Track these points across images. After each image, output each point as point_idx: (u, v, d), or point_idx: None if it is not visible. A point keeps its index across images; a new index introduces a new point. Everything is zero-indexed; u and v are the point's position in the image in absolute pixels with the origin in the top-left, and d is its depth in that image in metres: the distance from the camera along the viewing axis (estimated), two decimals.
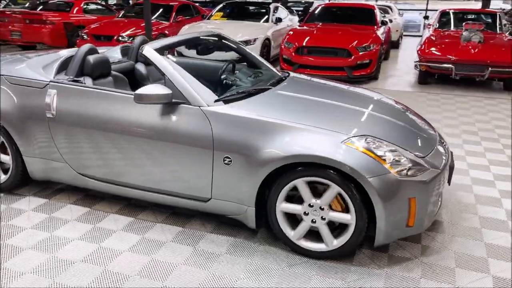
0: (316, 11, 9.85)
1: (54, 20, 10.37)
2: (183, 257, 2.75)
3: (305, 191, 2.66)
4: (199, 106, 2.85)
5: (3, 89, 3.32)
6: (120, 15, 11.16)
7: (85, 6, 11.78)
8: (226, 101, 2.92)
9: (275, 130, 2.70)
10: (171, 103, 2.86)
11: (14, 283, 2.47)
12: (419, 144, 2.90)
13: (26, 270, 2.59)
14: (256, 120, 2.75)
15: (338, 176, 2.55)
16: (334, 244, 2.69)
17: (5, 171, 3.48)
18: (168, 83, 2.93)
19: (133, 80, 3.87)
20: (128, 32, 9.47)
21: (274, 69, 3.93)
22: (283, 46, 8.47)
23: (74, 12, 11.20)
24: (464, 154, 4.54)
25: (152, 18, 10.45)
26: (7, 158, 3.43)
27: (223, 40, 4.02)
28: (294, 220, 2.82)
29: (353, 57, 7.83)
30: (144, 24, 9.34)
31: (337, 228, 2.78)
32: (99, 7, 12.27)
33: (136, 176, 3.05)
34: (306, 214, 2.71)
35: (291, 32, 8.72)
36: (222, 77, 3.68)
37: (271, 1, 13.50)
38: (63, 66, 3.42)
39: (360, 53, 7.86)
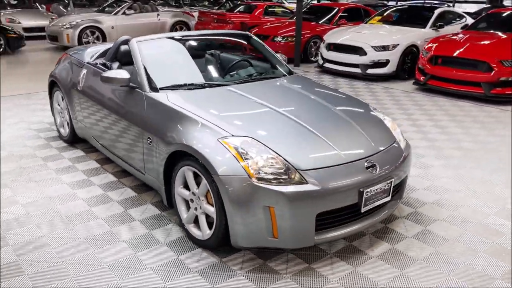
0: (483, 18, 8.53)
1: (234, 21, 11.93)
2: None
3: (190, 179, 2.85)
4: (143, 92, 3.32)
5: (68, 66, 4.48)
6: (292, 17, 11.98)
7: (269, 9, 13.08)
8: (163, 89, 3.30)
9: (181, 119, 2.96)
10: (129, 86, 3.42)
11: None
12: (316, 155, 2.68)
13: None
14: (171, 108, 3.07)
15: (204, 169, 2.66)
16: (207, 234, 2.80)
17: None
18: (134, 70, 3.49)
19: None
20: (283, 32, 10.20)
21: (282, 70, 4.04)
22: (421, 54, 7.77)
23: (256, 14, 12.58)
24: None
25: (321, 21, 10.92)
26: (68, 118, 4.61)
27: (250, 40, 4.30)
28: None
29: (493, 71, 6.63)
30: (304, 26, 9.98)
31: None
32: (283, 9, 13.36)
33: (115, 147, 3.73)
34: (192, 201, 2.89)
35: (433, 40, 7.89)
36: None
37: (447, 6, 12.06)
38: (105, 53, 4.36)
39: (506, 67, 6.58)
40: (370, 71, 8.42)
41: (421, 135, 5.26)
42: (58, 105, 4.75)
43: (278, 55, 4.34)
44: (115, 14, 12.33)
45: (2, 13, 14.18)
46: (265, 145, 2.65)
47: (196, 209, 2.87)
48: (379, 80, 8.49)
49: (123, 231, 3.07)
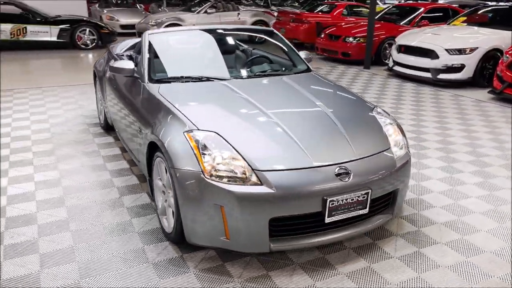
0: None
1: (310, 20, 11.72)
2: None
3: (162, 171, 2.84)
4: (142, 82, 3.39)
5: (105, 58, 4.75)
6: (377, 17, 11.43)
7: (352, 9, 12.63)
8: (161, 81, 3.33)
9: (160, 111, 2.97)
10: (133, 76, 3.52)
11: None
12: (281, 157, 2.50)
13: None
14: (156, 99, 3.09)
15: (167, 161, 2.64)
16: (171, 227, 2.77)
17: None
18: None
19: None
20: (355, 32, 9.78)
21: (299, 67, 3.91)
22: (501, 59, 6.91)
23: (335, 13, 12.23)
24: None
25: (402, 22, 10.30)
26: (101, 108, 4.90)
27: (273, 36, 4.19)
28: None
29: None
30: (378, 26, 9.52)
31: None
32: (363, 9, 12.80)
33: (123, 135, 3.87)
34: (164, 193, 2.89)
35: None
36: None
37: None
38: (134, 46, 4.54)
39: None
40: (441, 76, 7.69)
41: (469, 148, 4.67)
42: (99, 94, 5.08)
43: (302, 52, 4.17)
44: (198, 12, 12.85)
45: (105, 11, 15.61)
46: (227, 141, 2.54)
47: (166, 201, 2.85)
48: (452, 86, 7.72)
49: (108, 216, 3.17)
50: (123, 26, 14.85)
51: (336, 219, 2.51)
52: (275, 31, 4.24)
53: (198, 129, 2.63)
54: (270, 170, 2.42)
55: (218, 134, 2.59)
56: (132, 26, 14.99)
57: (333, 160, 2.54)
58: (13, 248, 2.76)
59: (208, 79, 3.42)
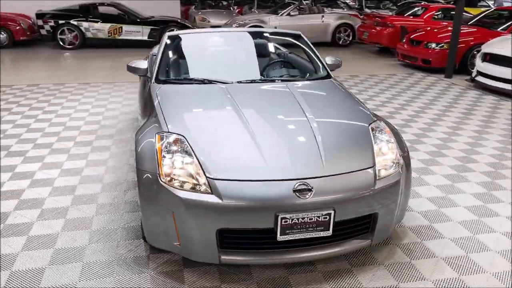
0: None
1: (395, 24, 11.05)
2: None
3: None
4: (150, 82, 3.49)
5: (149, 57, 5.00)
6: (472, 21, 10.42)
7: (445, 12, 11.67)
8: (165, 82, 3.39)
9: (152, 111, 3.03)
10: (146, 76, 3.64)
11: None
12: (239, 166, 2.40)
13: None
14: (152, 99, 3.16)
15: None
16: None
17: None
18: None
19: None
20: (439, 38, 9.01)
21: (318, 73, 3.75)
22: None
23: (425, 17, 11.38)
24: None
25: (501, 27, 9.28)
26: None
27: (299, 39, 4.05)
28: None
29: None
30: (470, 31, 8.73)
31: None
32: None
33: None
34: None
35: None
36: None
37: None
38: None
39: None
40: None
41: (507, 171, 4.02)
42: None
43: (328, 58, 3.96)
44: (281, 15, 12.87)
45: (199, 13, 16.40)
46: (191, 147, 2.51)
47: None
48: None
49: (101, 209, 3.33)
50: (213, 27, 15.45)
51: (291, 239, 2.33)
52: (302, 35, 4.07)
53: (169, 132, 2.64)
54: (222, 179, 2.34)
55: (185, 138, 2.56)
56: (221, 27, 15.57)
57: (295, 175, 2.37)
58: (11, 228, 3.03)
59: (211, 82, 3.40)
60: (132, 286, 2.46)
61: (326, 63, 3.85)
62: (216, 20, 15.81)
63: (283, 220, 2.27)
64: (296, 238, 2.34)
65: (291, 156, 2.49)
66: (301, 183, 2.34)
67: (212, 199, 2.29)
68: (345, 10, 15.28)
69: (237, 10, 18.44)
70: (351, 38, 13.22)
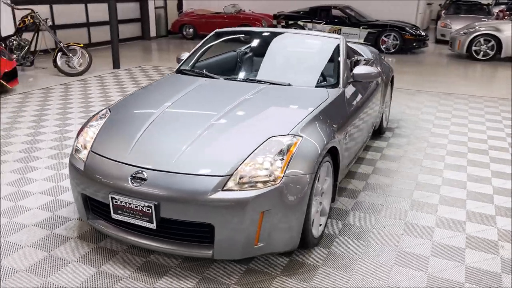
0: None
1: None
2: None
3: None
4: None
5: None
6: None
7: None
8: (181, 72, 3.83)
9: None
10: None
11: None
12: (121, 147, 2.68)
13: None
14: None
15: None
16: None
17: None
18: None
19: None
20: None
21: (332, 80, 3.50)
22: None
23: None
24: None
25: None
26: None
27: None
28: None
29: None
30: None
31: None
32: None
33: None
34: None
35: None
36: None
37: None
38: None
39: None
40: None
41: None
42: None
43: (363, 67, 3.47)
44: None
45: (445, 17, 15.04)
46: (101, 127, 2.91)
47: None
48: None
49: None
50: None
51: (122, 220, 2.49)
52: (341, 40, 3.66)
53: (107, 113, 3.08)
54: (94, 153, 2.69)
55: (110, 112, 3.04)
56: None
57: (139, 163, 2.50)
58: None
59: (211, 77, 3.61)
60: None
61: (354, 73, 3.40)
62: (457, 26, 14.24)
63: (113, 200, 2.46)
64: (126, 220, 2.48)
65: (156, 146, 2.59)
66: (140, 171, 2.45)
67: (77, 164, 2.72)
68: None
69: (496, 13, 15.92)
70: None
